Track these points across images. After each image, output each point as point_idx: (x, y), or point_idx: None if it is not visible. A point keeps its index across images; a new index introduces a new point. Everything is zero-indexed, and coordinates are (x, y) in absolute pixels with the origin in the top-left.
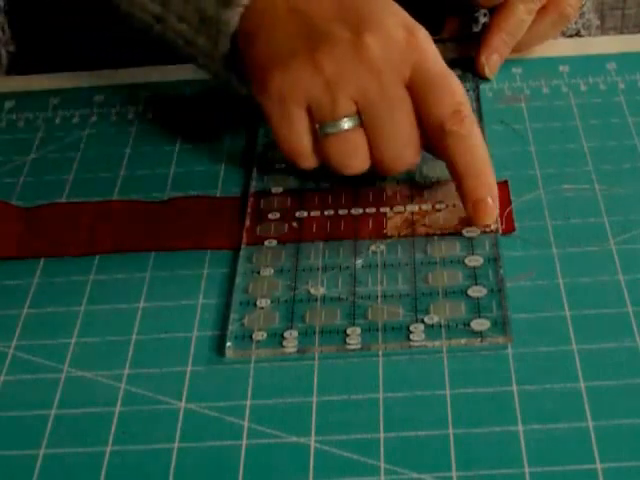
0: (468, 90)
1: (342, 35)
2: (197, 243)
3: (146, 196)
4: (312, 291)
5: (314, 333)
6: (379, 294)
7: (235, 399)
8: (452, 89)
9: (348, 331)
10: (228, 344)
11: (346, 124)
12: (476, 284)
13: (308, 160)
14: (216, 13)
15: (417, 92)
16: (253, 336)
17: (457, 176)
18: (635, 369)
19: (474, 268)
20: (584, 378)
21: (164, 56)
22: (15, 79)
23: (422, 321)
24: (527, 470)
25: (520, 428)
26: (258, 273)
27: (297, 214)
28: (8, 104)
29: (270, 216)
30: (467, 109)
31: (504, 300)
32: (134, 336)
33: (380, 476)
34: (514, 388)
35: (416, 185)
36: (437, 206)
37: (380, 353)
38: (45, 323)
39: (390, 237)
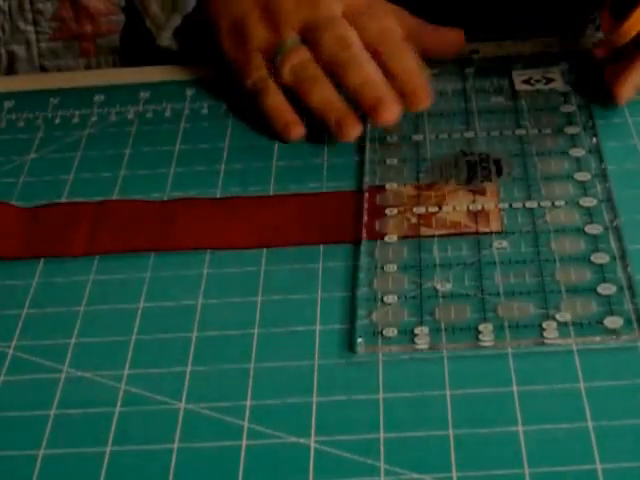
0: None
1: None
2: (197, 243)
3: (146, 196)
4: (438, 287)
5: (445, 330)
6: (507, 290)
7: (235, 399)
8: (381, 15)
9: (480, 328)
10: (359, 340)
11: (289, 41)
12: (604, 281)
13: (273, 92)
14: None
15: (353, 21)
16: (384, 332)
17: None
18: (635, 369)
19: (601, 265)
20: (584, 378)
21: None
22: (15, 79)
23: (554, 318)
24: (527, 471)
25: (520, 429)
26: (382, 269)
27: (415, 209)
28: (7, 104)
29: (387, 212)
30: (398, 29)
31: (634, 297)
32: (134, 336)
33: (380, 476)
34: (514, 389)
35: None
36: (557, 203)
37: (380, 355)
38: (45, 323)
39: (512, 233)
